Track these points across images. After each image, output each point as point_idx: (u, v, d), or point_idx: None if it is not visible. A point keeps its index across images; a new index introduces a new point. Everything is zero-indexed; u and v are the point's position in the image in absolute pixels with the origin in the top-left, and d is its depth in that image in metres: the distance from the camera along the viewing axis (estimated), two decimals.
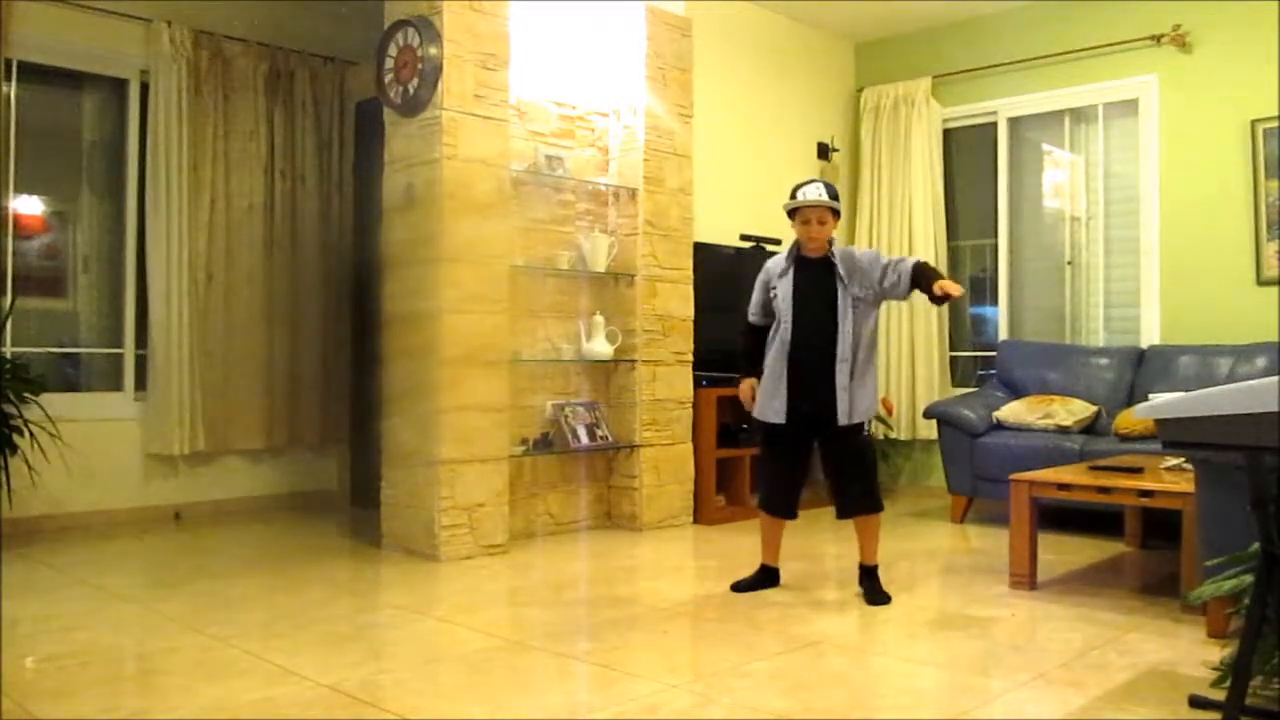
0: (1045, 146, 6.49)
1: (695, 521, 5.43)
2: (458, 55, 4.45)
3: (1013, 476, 4.03)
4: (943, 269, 6.52)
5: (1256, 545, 2.25)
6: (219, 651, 3.04)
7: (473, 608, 3.68)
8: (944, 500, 5.82)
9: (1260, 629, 2.15)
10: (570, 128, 5.23)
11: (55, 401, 4.88)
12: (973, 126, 6.68)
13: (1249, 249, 5.47)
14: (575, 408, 5.13)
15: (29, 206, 5.36)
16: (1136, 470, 3.99)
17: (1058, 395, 5.53)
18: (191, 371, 5.44)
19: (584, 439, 5.07)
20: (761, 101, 6.41)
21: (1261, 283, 5.43)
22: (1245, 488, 2.14)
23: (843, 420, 3.66)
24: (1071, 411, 5.34)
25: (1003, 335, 6.44)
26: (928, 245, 6.49)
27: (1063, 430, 5.28)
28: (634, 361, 5.22)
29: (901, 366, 6.56)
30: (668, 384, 5.34)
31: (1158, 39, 5.75)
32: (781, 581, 3.97)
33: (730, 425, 5.67)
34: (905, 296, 3.78)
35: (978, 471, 5.40)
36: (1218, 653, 2.86)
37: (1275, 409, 1.88)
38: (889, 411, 6.53)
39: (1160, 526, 4.59)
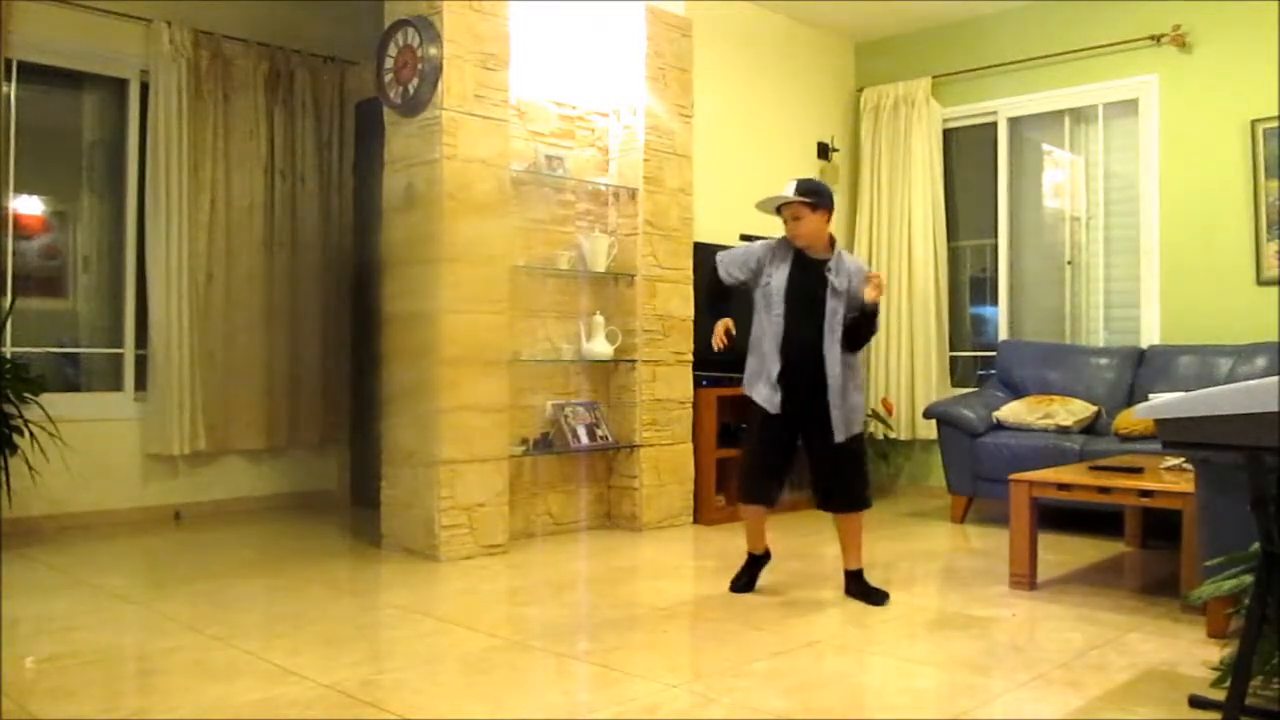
0: (1045, 146, 6.49)
1: (695, 521, 5.43)
2: (458, 55, 4.45)
3: (1013, 476, 4.03)
4: (943, 269, 6.54)
5: (1256, 545, 2.24)
6: (219, 651, 3.04)
7: (473, 608, 3.68)
8: (944, 500, 5.82)
9: (1260, 629, 2.15)
10: (570, 128, 5.23)
11: (55, 401, 4.88)
12: (973, 126, 6.68)
13: (1249, 249, 5.47)
14: (575, 408, 5.13)
15: (29, 206, 5.36)
16: (1136, 470, 3.99)
17: (1058, 395, 5.53)
18: (191, 371, 5.44)
19: (584, 439, 5.07)
20: (761, 101, 6.41)
21: (1261, 283, 5.43)
22: (1245, 488, 2.13)
23: (839, 437, 3.67)
24: (1071, 411, 5.34)
25: (1003, 335, 6.44)
26: (927, 245, 6.49)
27: (1063, 430, 5.28)
28: (634, 361, 5.22)
29: (901, 366, 6.56)
30: (668, 384, 5.34)
31: (1158, 39, 5.75)
32: (773, 559, 3.97)
33: (730, 425, 5.67)
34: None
35: (978, 471, 5.40)
36: (1218, 653, 2.86)
37: (1275, 409, 1.88)
38: (889, 411, 6.54)
39: (1160, 526, 4.59)
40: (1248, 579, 2.58)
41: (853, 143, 6.99)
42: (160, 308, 5.36)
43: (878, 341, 6.52)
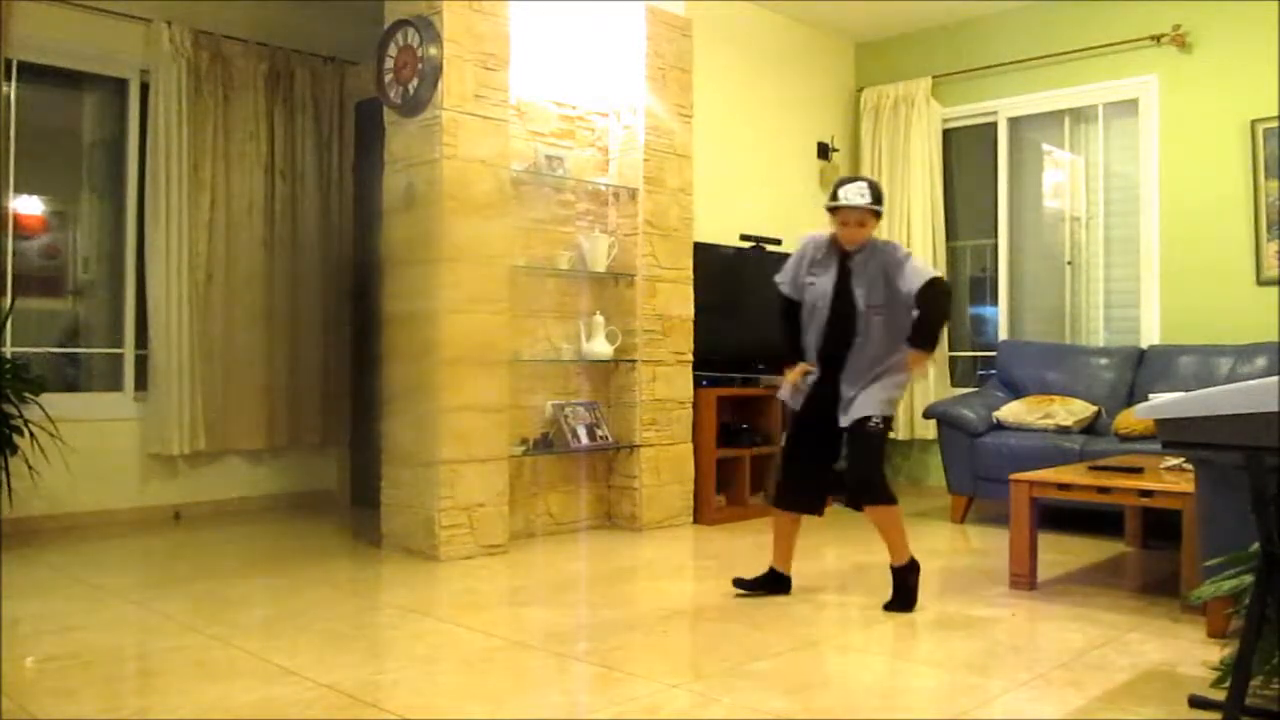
0: (1045, 146, 6.49)
1: (695, 522, 5.43)
2: (458, 55, 4.45)
3: (1013, 476, 4.03)
4: (942, 269, 6.52)
5: (1256, 545, 2.25)
6: (219, 651, 3.04)
7: (473, 608, 3.68)
8: (944, 500, 5.82)
9: (1260, 629, 2.15)
10: (570, 128, 5.23)
11: (55, 401, 4.88)
12: (973, 126, 6.68)
13: (1249, 249, 5.47)
14: (575, 408, 5.13)
15: (29, 206, 5.36)
16: (1136, 470, 3.99)
17: (1058, 395, 5.52)
18: (191, 371, 5.43)
19: (584, 439, 5.07)
20: (761, 101, 6.41)
21: (1261, 283, 5.43)
22: (1245, 488, 2.13)
23: (843, 422, 3.61)
24: (1071, 411, 5.34)
25: (1003, 335, 6.44)
26: (927, 245, 6.49)
27: (1063, 430, 5.28)
28: (634, 361, 5.22)
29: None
30: (668, 384, 5.34)
31: (1158, 39, 5.75)
32: (792, 591, 3.81)
33: (730, 425, 5.67)
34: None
35: (978, 471, 5.40)
36: (1218, 653, 2.86)
37: (1275, 409, 1.88)
38: None
39: (1160, 526, 4.59)
40: (1248, 579, 2.58)
41: (853, 143, 6.99)
42: (160, 308, 5.36)
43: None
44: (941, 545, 4.96)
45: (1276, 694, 2.50)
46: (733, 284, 5.81)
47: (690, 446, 5.45)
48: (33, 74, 5.20)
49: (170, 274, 5.38)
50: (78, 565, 4.29)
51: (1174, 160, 5.76)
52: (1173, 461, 4.07)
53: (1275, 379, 1.89)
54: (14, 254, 5.16)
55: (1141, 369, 5.54)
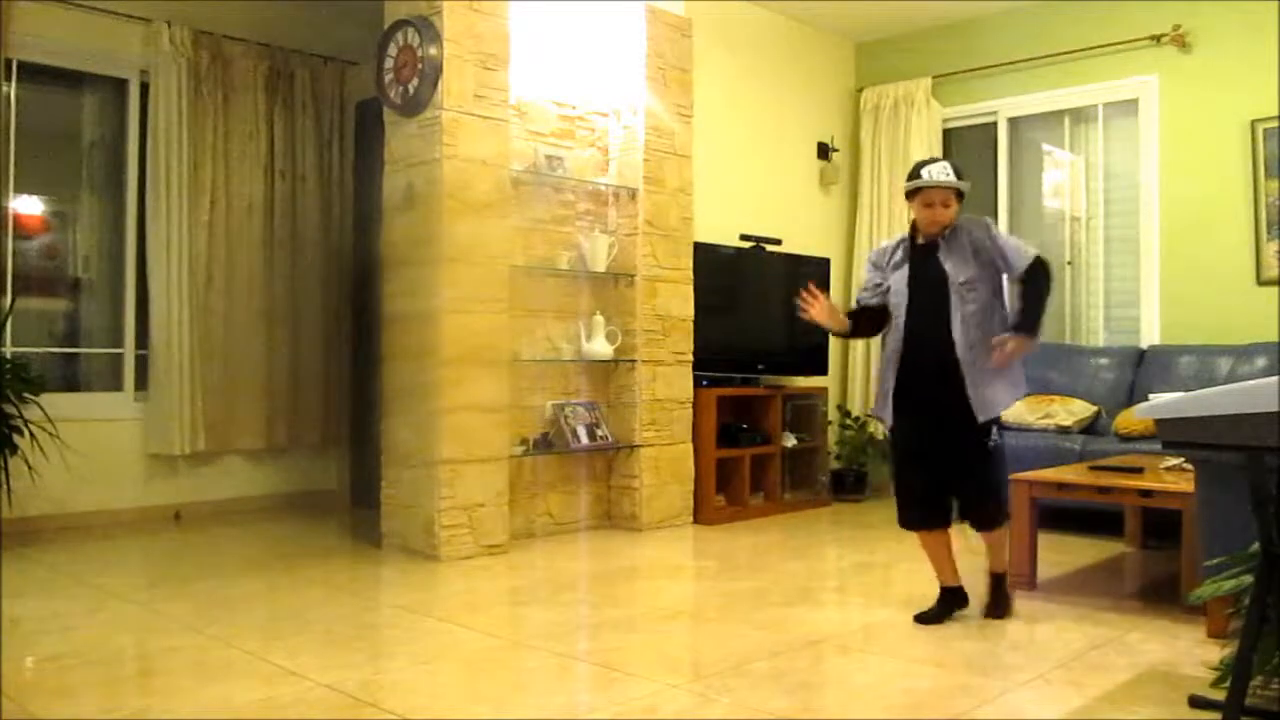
0: (1045, 146, 6.49)
1: (695, 521, 5.42)
2: (458, 55, 4.45)
3: (1013, 476, 4.02)
4: None
5: (1256, 545, 2.24)
6: (219, 651, 3.04)
7: (473, 608, 3.68)
8: None
9: (1260, 629, 2.15)
10: (570, 128, 5.23)
11: (55, 401, 4.88)
12: (973, 126, 6.68)
13: (1249, 249, 5.47)
14: (575, 408, 5.13)
15: (29, 206, 5.36)
16: (1136, 470, 3.99)
17: (1058, 395, 5.52)
18: (192, 371, 5.43)
19: (584, 439, 5.07)
20: (761, 101, 6.40)
21: (1261, 283, 5.43)
22: (1245, 488, 2.13)
23: (980, 419, 3.29)
24: (1071, 411, 5.34)
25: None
26: None
27: (1063, 430, 5.27)
28: (634, 361, 5.22)
29: None
30: (668, 384, 5.34)
31: (1158, 39, 5.75)
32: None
33: (730, 425, 5.67)
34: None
35: None
36: (1218, 653, 2.86)
37: (1275, 409, 1.88)
38: None
39: (1160, 526, 4.59)
40: (1248, 579, 2.58)
41: (853, 143, 6.99)
42: (160, 307, 5.36)
43: (877, 341, 6.50)
44: None
45: (1276, 694, 2.50)
46: (733, 284, 5.81)
47: (690, 446, 5.45)
48: (33, 74, 5.20)
49: (170, 274, 5.38)
50: (78, 565, 4.29)
51: (1174, 160, 5.75)
52: (1173, 461, 4.07)
53: (1275, 379, 1.89)
54: (14, 254, 5.16)
55: (1141, 369, 5.54)
